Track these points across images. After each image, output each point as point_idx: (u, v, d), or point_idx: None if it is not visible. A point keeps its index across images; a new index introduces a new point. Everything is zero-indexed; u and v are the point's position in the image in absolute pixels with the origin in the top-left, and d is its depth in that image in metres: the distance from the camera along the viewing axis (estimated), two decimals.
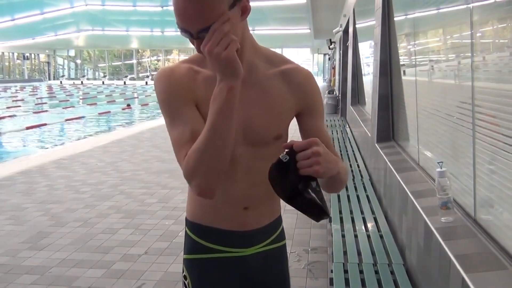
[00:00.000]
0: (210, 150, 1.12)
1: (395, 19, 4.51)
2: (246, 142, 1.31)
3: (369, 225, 3.67)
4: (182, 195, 5.53)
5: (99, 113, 17.28)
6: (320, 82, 32.37)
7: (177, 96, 1.22)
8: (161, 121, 12.11)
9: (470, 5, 2.29)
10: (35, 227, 4.48)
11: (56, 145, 10.43)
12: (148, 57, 51.12)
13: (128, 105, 20.35)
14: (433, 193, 2.57)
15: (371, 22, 6.30)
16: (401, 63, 4.42)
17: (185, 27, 1.10)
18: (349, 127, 9.91)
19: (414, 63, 3.80)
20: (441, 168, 2.21)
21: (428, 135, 3.28)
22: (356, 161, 6.25)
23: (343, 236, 3.43)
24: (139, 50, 48.85)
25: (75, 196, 5.56)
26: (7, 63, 43.66)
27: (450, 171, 2.41)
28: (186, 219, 1.48)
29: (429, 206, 2.46)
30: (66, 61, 50.99)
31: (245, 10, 1.12)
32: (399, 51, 4.47)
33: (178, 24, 1.12)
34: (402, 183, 3.06)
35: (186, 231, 1.47)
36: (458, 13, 2.68)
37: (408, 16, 4.05)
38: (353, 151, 7.03)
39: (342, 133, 9.24)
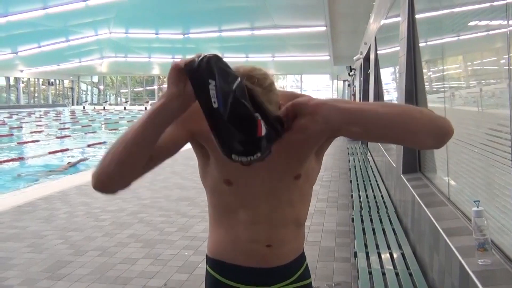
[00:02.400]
0: (122, 147, 1.09)
1: (421, 45, 4.43)
2: (265, 185, 1.31)
3: (397, 261, 3.51)
4: (202, 224, 5.45)
5: None
6: None
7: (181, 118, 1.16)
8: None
9: (507, 30, 2.20)
10: (55, 255, 4.44)
11: (78, 171, 10.51)
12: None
13: None
14: (467, 231, 2.45)
15: (394, 49, 6.24)
16: (427, 90, 4.33)
17: None
18: (371, 155, 9.76)
19: (442, 90, 3.69)
20: (478, 207, 2.09)
21: (459, 167, 3.15)
22: (380, 191, 6.10)
23: (370, 273, 3.29)
24: (160, 76, 49.67)
25: (95, 224, 5.53)
26: (32, 89, 44.84)
27: (486, 208, 2.28)
28: (206, 256, 1.45)
29: (464, 245, 2.33)
30: (89, 87, 52.15)
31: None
32: (425, 78, 4.38)
33: None
34: (432, 218, 2.93)
35: (207, 269, 1.44)
36: (492, 38, 2.60)
37: (435, 42, 3.98)
38: (376, 180, 6.88)
39: (364, 161, 9.09)
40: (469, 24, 3.02)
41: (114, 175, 1.10)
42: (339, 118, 1.05)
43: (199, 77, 0.99)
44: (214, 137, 1.02)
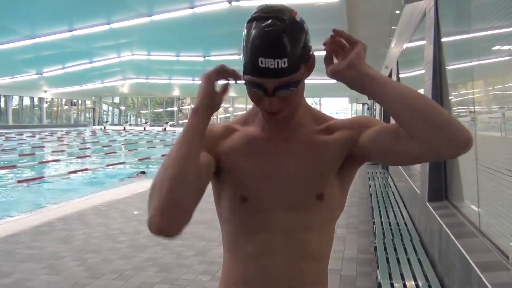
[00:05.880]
0: (169, 167, 1.03)
1: (448, 68, 4.32)
2: (283, 205, 1.17)
3: None
4: (220, 248, 5.31)
5: (139, 159, 17.53)
6: None
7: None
8: None
9: None
10: (71, 278, 4.38)
11: (96, 191, 10.54)
12: (188, 105, 52.43)
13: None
14: (502, 266, 2.30)
15: (418, 72, 6.14)
16: (454, 115, 4.20)
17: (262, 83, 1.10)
18: (392, 180, 9.56)
19: (472, 115, 3.56)
20: None
21: (491, 196, 3.01)
22: (403, 218, 5.92)
23: None
24: (180, 98, 50.26)
25: (112, 246, 5.47)
26: (55, 109, 45.76)
27: None
28: None
29: (500, 283, 2.18)
30: (110, 108, 53.00)
31: (311, 67, 1.18)
32: (453, 102, 4.26)
33: (251, 80, 1.12)
34: (463, 251, 2.78)
35: None
36: None
37: (464, 65, 3.87)
38: (398, 207, 6.69)
39: (385, 186, 8.90)
40: (501, 48, 2.92)
41: (171, 204, 1.00)
42: (362, 76, 1.12)
43: None
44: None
